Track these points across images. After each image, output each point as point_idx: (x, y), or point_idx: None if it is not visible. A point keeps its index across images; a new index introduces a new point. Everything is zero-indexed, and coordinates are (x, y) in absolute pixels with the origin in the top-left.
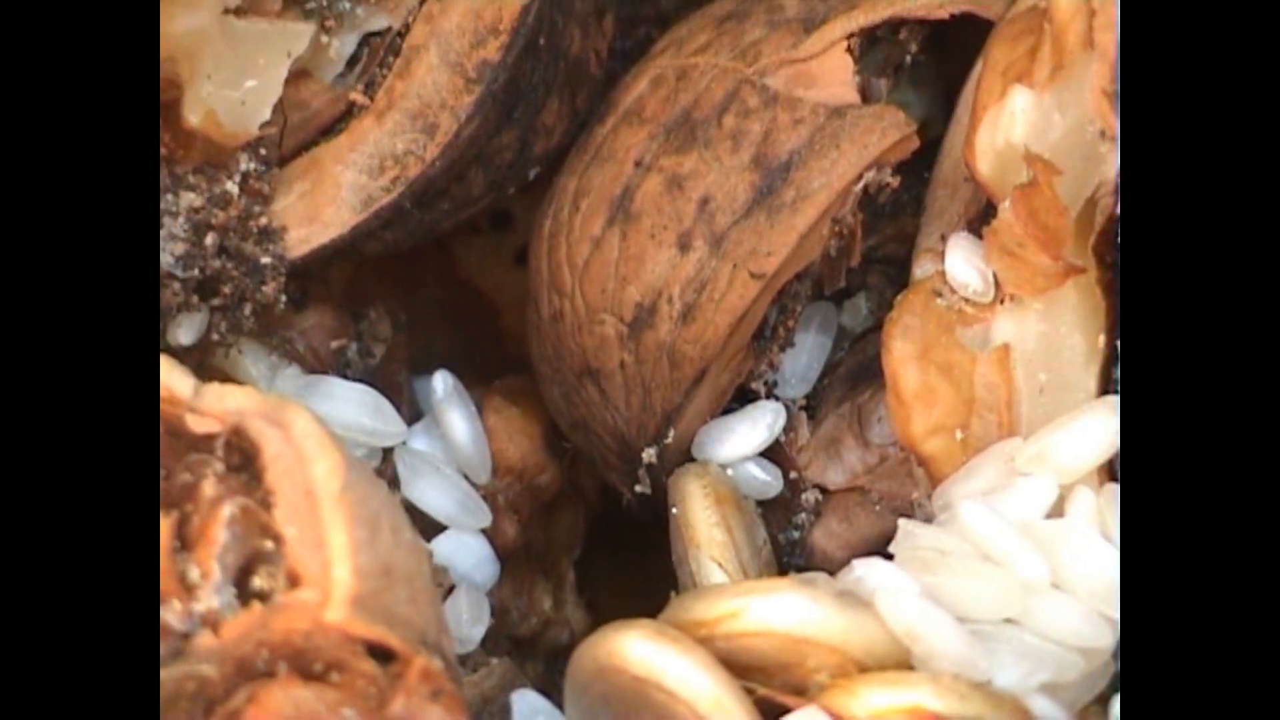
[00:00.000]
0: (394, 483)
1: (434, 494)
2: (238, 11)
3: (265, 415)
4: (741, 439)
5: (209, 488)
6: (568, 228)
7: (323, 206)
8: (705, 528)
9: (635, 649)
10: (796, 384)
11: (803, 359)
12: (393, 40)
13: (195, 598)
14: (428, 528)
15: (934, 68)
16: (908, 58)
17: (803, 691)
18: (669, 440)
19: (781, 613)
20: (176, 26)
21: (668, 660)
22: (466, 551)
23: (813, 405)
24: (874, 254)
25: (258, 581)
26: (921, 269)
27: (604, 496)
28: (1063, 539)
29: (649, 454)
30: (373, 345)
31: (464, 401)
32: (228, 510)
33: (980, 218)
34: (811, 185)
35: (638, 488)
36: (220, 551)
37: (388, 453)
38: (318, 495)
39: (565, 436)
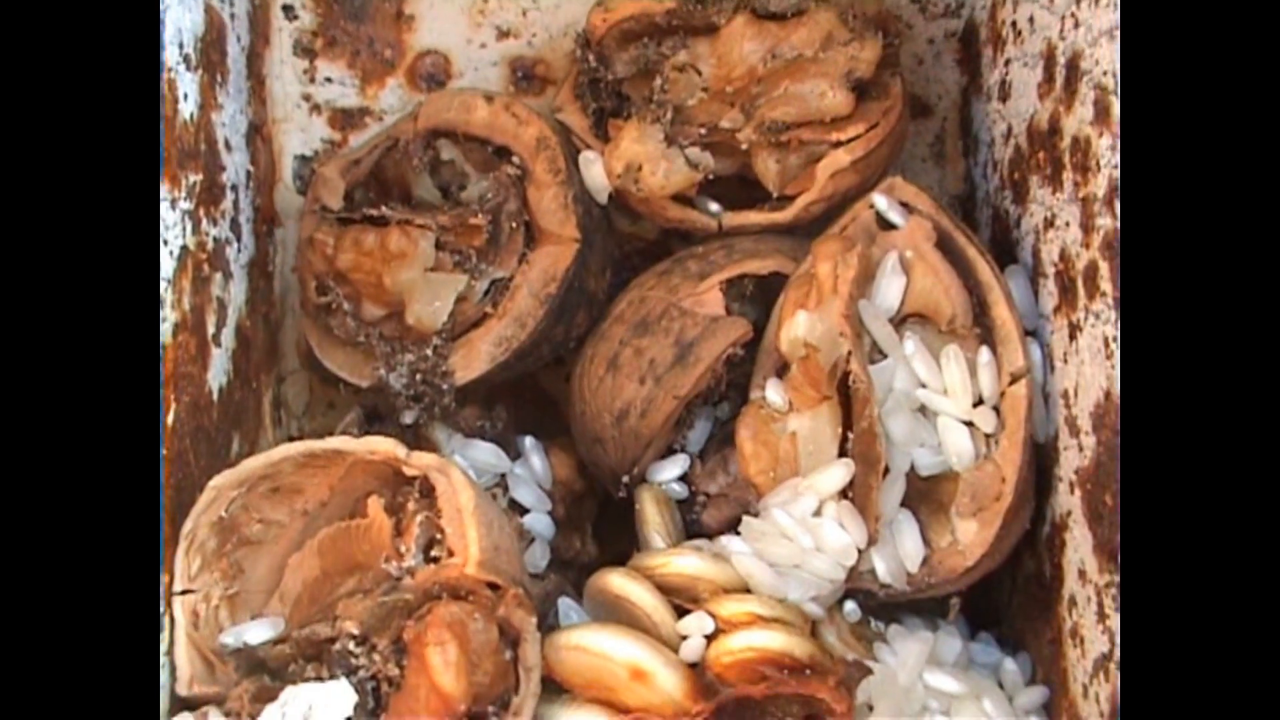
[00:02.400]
0: (506, 489)
1: (526, 495)
2: (432, 269)
3: (438, 469)
4: (669, 471)
5: (411, 505)
6: (589, 373)
7: (472, 361)
8: (652, 515)
9: (616, 581)
10: (695, 445)
11: (698, 433)
12: (506, 283)
13: (403, 559)
14: (521, 511)
15: (760, 294)
16: (748, 291)
17: (696, 602)
18: (635, 471)
19: (686, 564)
20: (401, 277)
21: (631, 587)
22: (539, 522)
23: (703, 455)
24: (731, 384)
25: (434, 553)
26: (754, 394)
27: (605, 495)
28: (821, 527)
29: (626, 479)
30: (497, 422)
31: (539, 450)
32: (419, 517)
33: (782, 370)
34: (703, 355)
35: (620, 493)
36: (416, 537)
37: (503, 476)
38: (462, 511)
39: (587, 467)
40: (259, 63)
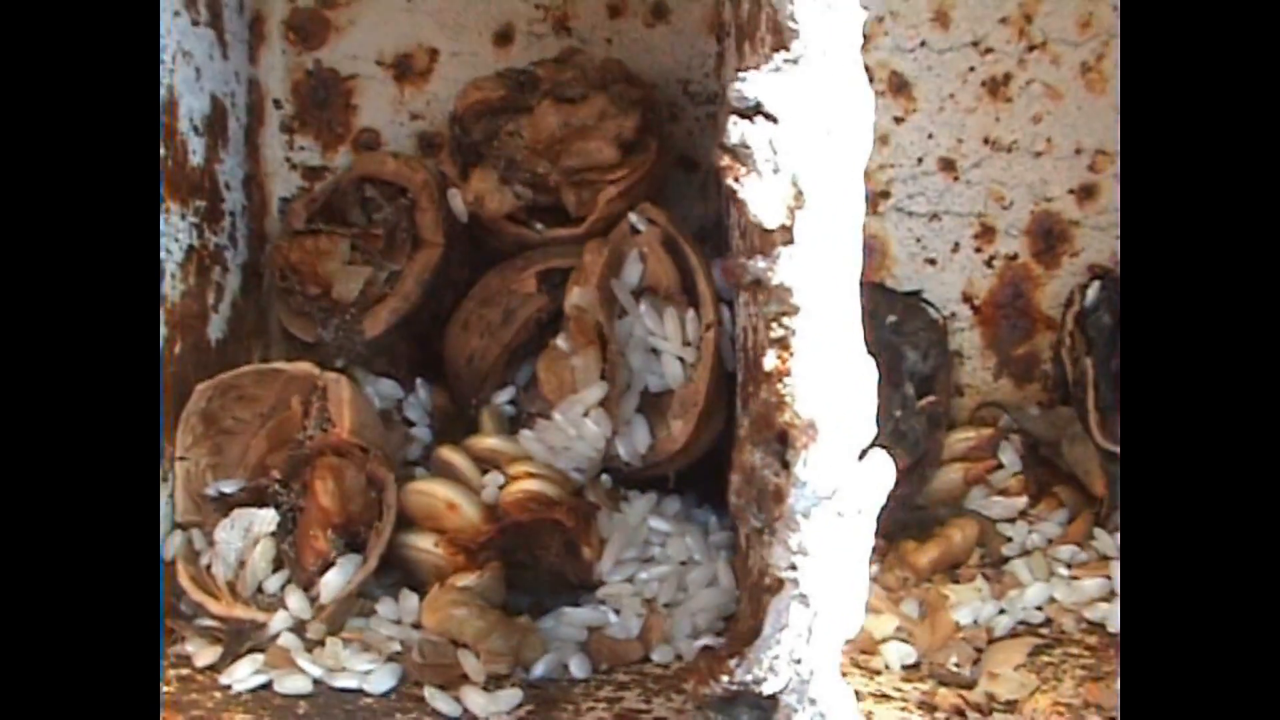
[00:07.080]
0: (402, 410)
1: (415, 414)
2: (349, 263)
3: (332, 378)
4: (503, 397)
5: (314, 399)
6: (452, 332)
7: (376, 324)
8: (486, 424)
9: (444, 451)
10: (521, 380)
11: (523, 373)
12: (398, 273)
13: (307, 431)
14: (409, 424)
15: (563, 281)
16: (555, 280)
17: (496, 466)
18: (480, 396)
19: (488, 442)
20: (329, 267)
21: (453, 455)
22: (423, 432)
23: (526, 387)
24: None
25: (324, 426)
26: (552, 342)
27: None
28: (584, 423)
29: (474, 401)
30: (399, 367)
31: (426, 385)
32: (317, 405)
33: (567, 326)
34: (519, 317)
35: (472, 413)
36: (315, 418)
37: (400, 401)
38: (343, 402)
39: (454, 396)
40: (255, 135)
